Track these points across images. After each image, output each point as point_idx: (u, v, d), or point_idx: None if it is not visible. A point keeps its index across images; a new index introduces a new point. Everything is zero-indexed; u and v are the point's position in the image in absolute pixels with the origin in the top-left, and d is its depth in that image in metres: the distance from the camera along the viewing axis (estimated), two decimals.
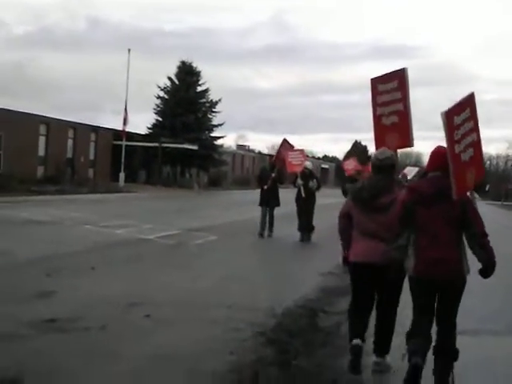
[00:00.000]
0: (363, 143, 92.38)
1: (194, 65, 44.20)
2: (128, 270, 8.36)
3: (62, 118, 35.68)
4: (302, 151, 14.40)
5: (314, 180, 13.35)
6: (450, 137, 4.06)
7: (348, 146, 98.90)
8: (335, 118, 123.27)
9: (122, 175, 35.79)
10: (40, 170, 32.89)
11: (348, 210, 4.73)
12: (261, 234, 13.30)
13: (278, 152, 14.25)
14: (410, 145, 5.62)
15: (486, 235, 4.09)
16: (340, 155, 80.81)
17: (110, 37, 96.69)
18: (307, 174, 13.28)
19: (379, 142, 5.58)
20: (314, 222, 13.25)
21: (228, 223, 16.13)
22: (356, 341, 4.49)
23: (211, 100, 44.53)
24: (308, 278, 8.71)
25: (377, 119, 5.78)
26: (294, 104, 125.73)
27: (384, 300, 4.66)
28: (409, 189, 4.34)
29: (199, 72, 44.30)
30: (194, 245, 11.10)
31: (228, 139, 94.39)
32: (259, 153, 74.33)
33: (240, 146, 70.04)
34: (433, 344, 4.17)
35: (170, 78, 43.94)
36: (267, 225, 13.42)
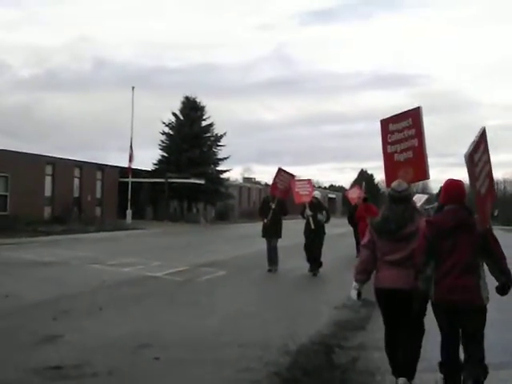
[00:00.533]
0: (369, 172, 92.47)
1: (198, 100, 44.47)
2: (136, 310, 8.15)
3: (67, 157, 35.87)
4: (309, 181, 14.05)
5: (324, 212, 12.92)
6: (473, 176, 4.33)
7: (353, 175, 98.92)
8: (339, 147, 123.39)
9: (129, 212, 35.72)
10: (47, 211, 32.86)
11: (370, 240, 4.91)
12: (269, 270, 12.79)
13: (274, 182, 13.54)
14: (427, 177, 6.01)
15: (504, 258, 4.39)
16: (346, 184, 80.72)
17: (114, 76, 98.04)
18: (316, 205, 12.90)
19: (391, 177, 5.79)
20: (323, 253, 12.92)
21: (236, 257, 15.92)
22: (402, 380, 4.79)
23: (216, 134, 44.68)
24: (321, 311, 8.47)
25: (388, 156, 6.13)
26: (298, 135, 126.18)
27: (409, 325, 4.81)
28: (428, 223, 4.55)
29: (203, 107, 44.56)
30: (202, 281, 10.90)
31: (234, 172, 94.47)
32: (266, 185, 74.29)
33: (246, 179, 70.08)
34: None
35: (174, 114, 44.20)
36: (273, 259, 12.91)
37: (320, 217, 12.61)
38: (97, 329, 6.87)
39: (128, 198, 36.08)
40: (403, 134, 6.01)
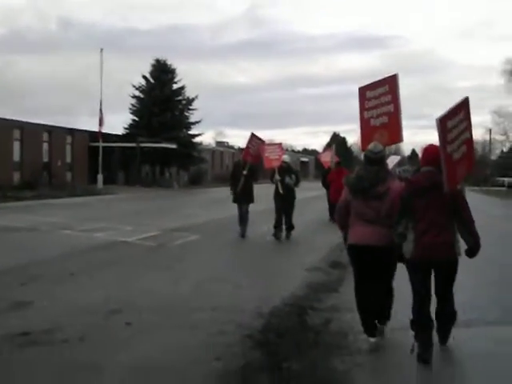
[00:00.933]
0: (342, 135, 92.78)
1: (169, 62, 43.79)
2: (108, 275, 8.05)
3: (36, 121, 35.09)
4: (279, 145, 13.75)
5: (293, 175, 12.62)
6: (444, 140, 4.65)
7: (327, 139, 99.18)
8: (313, 111, 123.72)
9: (100, 177, 35.30)
10: (16, 176, 32.29)
11: (345, 198, 5.25)
12: (242, 235, 12.57)
13: (247, 147, 13.12)
14: (400, 140, 6.44)
15: (472, 222, 4.75)
16: (319, 148, 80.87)
17: (82, 37, 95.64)
18: (285, 169, 12.59)
19: (367, 141, 6.13)
20: (295, 217, 12.89)
21: (209, 221, 15.87)
22: (372, 340, 5.20)
23: (187, 97, 44.15)
24: (294, 274, 8.49)
25: (364, 122, 6.56)
26: (273, 98, 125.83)
27: (380, 277, 5.20)
28: (407, 182, 4.94)
29: (174, 69, 43.89)
30: (175, 246, 10.82)
31: (207, 136, 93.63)
32: (239, 149, 74.02)
33: (219, 143, 69.72)
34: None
35: (144, 77, 43.45)
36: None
37: (288, 180, 12.39)
38: (67, 295, 6.77)
39: (99, 162, 35.59)
40: (379, 100, 6.43)
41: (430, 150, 4.97)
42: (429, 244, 4.61)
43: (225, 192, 15.44)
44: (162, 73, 43.23)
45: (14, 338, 5.02)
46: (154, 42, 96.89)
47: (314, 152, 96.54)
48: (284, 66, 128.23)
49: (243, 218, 12.59)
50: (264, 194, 13.41)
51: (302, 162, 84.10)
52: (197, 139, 45.45)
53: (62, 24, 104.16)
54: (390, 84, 6.38)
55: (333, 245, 11.20)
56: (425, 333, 4.69)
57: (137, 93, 43.44)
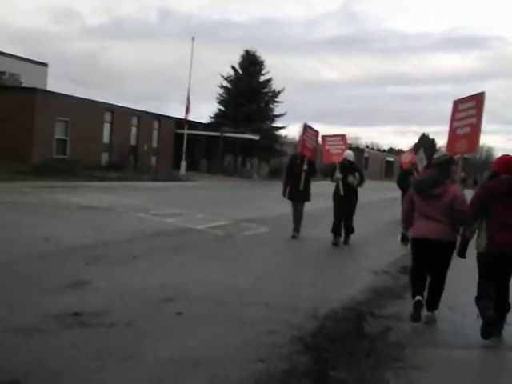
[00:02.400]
0: (431, 136, 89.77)
1: (258, 54, 43.82)
2: (169, 261, 8.05)
3: (127, 106, 36.22)
4: (343, 137, 12.08)
5: (356, 173, 11.13)
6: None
7: (414, 139, 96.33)
8: (402, 110, 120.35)
9: (183, 163, 35.95)
10: (104, 157, 33.44)
11: (411, 195, 6.05)
12: (294, 236, 11.36)
13: (303, 140, 11.63)
14: (476, 151, 8.24)
15: None
16: (406, 148, 78.65)
17: (178, 27, 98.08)
18: (347, 166, 11.08)
19: (450, 147, 7.45)
20: (367, 217, 12.32)
21: (281, 215, 15.54)
22: (418, 297, 5.83)
23: (274, 90, 44.05)
24: (359, 276, 8.15)
25: (452, 131, 7.59)
26: (361, 95, 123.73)
27: (435, 268, 5.97)
28: (483, 187, 5.67)
29: (262, 61, 43.86)
30: (242, 237, 10.72)
31: (291, 130, 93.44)
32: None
33: None
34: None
35: (233, 68, 43.77)
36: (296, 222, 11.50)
37: (351, 179, 10.92)
38: (125, 278, 6.80)
39: (183, 149, 36.27)
40: (466, 113, 7.38)
41: (504, 159, 5.62)
42: (499, 242, 5.30)
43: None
44: (251, 64, 43.36)
45: (65, 318, 5.04)
46: (246, 34, 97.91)
47: (400, 152, 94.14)
48: (374, 64, 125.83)
49: (298, 217, 11.49)
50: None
51: (388, 162, 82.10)
52: (281, 132, 45.36)
53: (161, 13, 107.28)
54: (477, 100, 7.30)
55: (406, 249, 10.70)
56: (487, 310, 5.30)
57: (225, 83, 43.86)
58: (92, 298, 5.77)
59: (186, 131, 36.65)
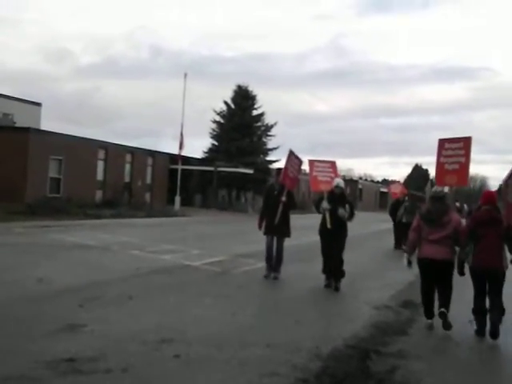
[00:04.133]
0: (424, 167, 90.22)
1: (250, 89, 44.21)
2: (166, 301, 7.82)
3: (121, 143, 36.26)
4: (333, 164, 10.89)
5: (347, 205, 9.53)
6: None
7: (407, 170, 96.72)
8: (394, 141, 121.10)
9: (177, 199, 35.84)
10: (98, 194, 33.28)
11: (418, 225, 7.24)
12: (266, 276, 10.19)
13: (285, 168, 10.48)
14: (465, 184, 9.48)
15: None
16: (400, 179, 78.75)
17: (170, 64, 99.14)
18: (337, 196, 9.60)
19: (439, 179, 9.01)
20: (360, 251, 11.92)
21: None
22: (430, 322, 7.29)
23: (266, 124, 44.31)
24: (360, 312, 7.95)
25: (440, 165, 9.03)
26: (353, 127, 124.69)
27: (441, 282, 7.14)
28: (472, 218, 7.11)
29: (255, 96, 44.23)
30: (239, 273, 10.51)
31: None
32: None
33: None
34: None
35: (226, 103, 44.06)
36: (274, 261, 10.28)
37: (341, 212, 9.40)
38: (121, 319, 6.59)
39: (177, 184, 36.20)
40: (454, 152, 8.85)
41: (487, 193, 7.31)
42: (484, 258, 6.70)
43: (300, 219, 14.80)
44: (243, 99, 43.68)
45: (58, 364, 4.84)
46: (237, 69, 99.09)
47: (394, 183, 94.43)
48: (365, 96, 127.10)
49: (278, 255, 10.24)
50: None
51: (382, 193, 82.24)
52: (274, 165, 45.38)
53: (152, 51, 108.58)
54: (464, 143, 8.83)
55: (405, 282, 10.53)
56: (481, 318, 6.80)
57: (218, 118, 44.10)
58: (86, 342, 5.56)
59: (179, 166, 36.65)
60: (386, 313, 8.00)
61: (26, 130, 28.41)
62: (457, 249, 7.11)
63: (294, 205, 10.49)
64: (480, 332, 6.78)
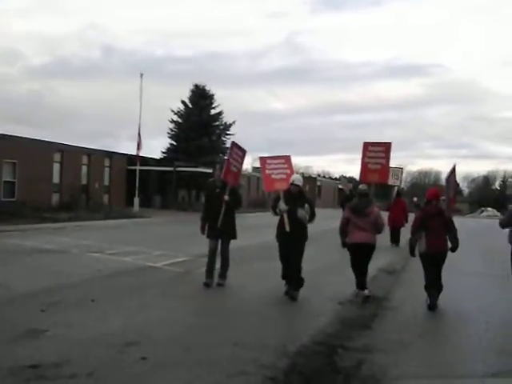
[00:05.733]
0: None
1: (207, 88, 44.05)
2: (129, 303, 7.72)
3: (77, 144, 35.58)
4: (287, 159, 9.60)
5: (306, 206, 8.51)
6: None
7: None
8: (350, 138, 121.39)
9: (136, 200, 35.44)
10: (55, 197, 32.62)
11: (348, 215, 8.90)
12: (206, 284, 9.14)
13: (227, 162, 9.46)
14: (386, 181, 11.73)
15: (456, 231, 8.27)
16: (357, 175, 79.93)
17: (124, 64, 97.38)
18: (295, 195, 8.62)
19: (364, 176, 10.29)
20: (322, 246, 12.02)
21: (240, 248, 15.29)
22: (363, 292, 8.81)
23: (225, 123, 44.22)
24: (325, 308, 8.01)
25: (364, 165, 10.28)
26: (309, 125, 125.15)
27: (366, 262, 8.90)
28: (423, 211, 8.57)
29: (212, 95, 44.09)
30: (202, 272, 10.38)
31: (244, 162, 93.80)
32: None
33: (256, 169, 69.57)
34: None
35: (183, 102, 43.79)
36: (217, 267, 9.45)
37: (301, 213, 8.42)
38: (85, 323, 6.46)
39: (136, 185, 35.78)
40: (376, 154, 10.26)
41: (433, 191, 8.64)
42: (433, 244, 8.10)
43: (260, 218, 14.70)
44: (201, 98, 43.49)
45: (21, 371, 4.72)
46: (193, 69, 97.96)
47: (352, 179, 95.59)
48: (320, 93, 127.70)
49: (223, 259, 9.40)
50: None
51: (340, 190, 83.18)
52: None
53: (105, 51, 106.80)
54: (385, 147, 10.34)
55: (369, 276, 10.67)
56: (432, 292, 8.10)
57: (175, 117, 43.78)
58: (50, 348, 5.44)
59: (138, 167, 36.24)
60: (350, 308, 8.10)
61: None
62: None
63: (238, 203, 9.61)
64: (432, 307, 7.99)
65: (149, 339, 5.86)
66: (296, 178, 8.77)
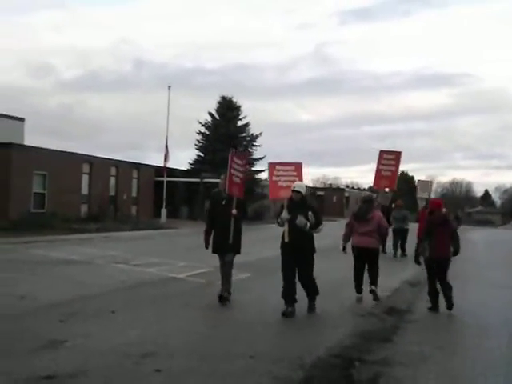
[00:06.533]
0: (410, 174, 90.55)
1: (234, 99, 44.25)
2: (149, 314, 7.76)
3: (107, 156, 36.08)
4: (298, 166, 9.11)
5: (309, 214, 7.96)
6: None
7: None
8: (379, 148, 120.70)
9: (163, 211, 35.70)
10: (83, 209, 33.04)
11: (351, 221, 9.51)
12: (220, 297, 8.67)
13: (230, 174, 8.97)
14: (394, 189, 11.61)
15: (459, 238, 8.85)
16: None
17: (153, 77, 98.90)
18: (297, 203, 8.11)
19: (377, 182, 11.01)
20: (342, 258, 10.27)
21: (263, 259, 15.40)
22: (360, 296, 9.55)
23: (252, 134, 44.31)
24: (344, 320, 7.93)
25: (378, 171, 10.87)
26: (338, 136, 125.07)
27: (370, 265, 9.48)
28: (428, 220, 9.02)
29: (239, 106, 44.25)
30: None
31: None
32: (306, 186, 73.47)
33: None
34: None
35: (210, 114, 44.05)
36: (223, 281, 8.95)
37: (300, 220, 7.87)
38: (103, 334, 6.52)
39: (163, 197, 36.07)
40: (389, 161, 10.88)
41: (436, 201, 9.66)
42: (437, 250, 8.61)
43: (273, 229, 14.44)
44: (228, 110, 43.69)
45: (38, 382, 4.77)
46: (221, 81, 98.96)
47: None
48: (349, 104, 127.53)
49: (226, 274, 8.94)
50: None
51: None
52: (261, 175, 45.39)
53: (135, 64, 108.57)
54: (396, 155, 11.00)
55: (390, 288, 10.56)
56: (434, 297, 8.75)
57: (202, 129, 44.04)
58: (67, 358, 5.49)
59: (165, 179, 36.56)
60: (370, 320, 7.99)
61: (9, 145, 28.15)
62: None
63: (245, 216, 9.24)
64: (434, 309, 8.71)
65: (165, 350, 5.87)
66: (297, 185, 8.32)
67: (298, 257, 8.06)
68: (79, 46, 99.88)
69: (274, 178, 9.14)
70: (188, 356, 5.72)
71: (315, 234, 8.25)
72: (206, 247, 9.10)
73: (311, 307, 8.29)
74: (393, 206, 18.60)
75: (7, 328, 6.70)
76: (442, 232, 8.61)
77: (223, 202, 8.88)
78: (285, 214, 8.12)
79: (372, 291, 9.31)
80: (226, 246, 8.72)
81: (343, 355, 6.02)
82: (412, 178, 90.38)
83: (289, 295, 7.98)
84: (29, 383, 4.74)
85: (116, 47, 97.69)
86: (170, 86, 37.48)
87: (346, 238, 9.51)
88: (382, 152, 10.94)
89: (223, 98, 44.10)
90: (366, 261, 9.40)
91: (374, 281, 9.38)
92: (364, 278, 9.56)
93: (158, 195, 37.12)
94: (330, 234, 12.22)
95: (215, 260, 13.53)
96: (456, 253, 8.77)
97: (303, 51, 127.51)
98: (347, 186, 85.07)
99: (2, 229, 21.80)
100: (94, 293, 9.23)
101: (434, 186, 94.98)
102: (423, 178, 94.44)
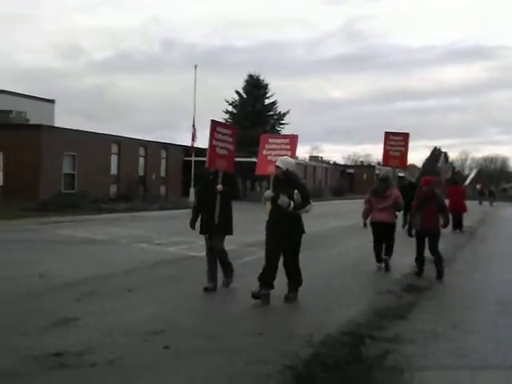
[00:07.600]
0: (443, 149, 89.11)
1: (262, 78, 44.07)
2: (164, 292, 7.80)
3: (136, 137, 36.36)
4: (293, 139, 8.28)
5: (295, 192, 7.12)
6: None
7: (426, 153, 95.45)
8: (412, 124, 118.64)
9: (192, 191, 35.86)
10: (113, 189, 33.48)
11: (370, 198, 10.25)
12: (206, 288, 7.76)
13: (212, 146, 8.16)
14: (405, 167, 14.05)
15: (447, 210, 10.22)
16: (418, 163, 77.76)
17: (183, 57, 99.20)
18: (281, 180, 7.31)
19: (385, 161, 13.03)
20: (362, 235, 11.12)
21: None
22: (379, 264, 10.25)
23: (279, 112, 44.17)
24: (360, 297, 7.85)
25: (386, 151, 12.39)
26: (368, 112, 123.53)
27: (386, 238, 10.17)
28: (419, 193, 9.90)
29: (267, 85, 44.14)
30: (240, 263, 10.43)
31: (300, 151, 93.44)
32: (334, 163, 72.96)
33: (313, 158, 69.16)
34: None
35: (237, 92, 44.05)
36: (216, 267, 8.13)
37: (282, 200, 7.03)
38: (116, 312, 6.58)
39: (191, 176, 36.23)
40: (397, 142, 12.34)
41: (427, 179, 10.08)
42: (427, 222, 9.43)
43: (315, 207, 14.54)
44: (255, 88, 43.62)
45: (45, 359, 4.83)
46: (249, 59, 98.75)
47: (413, 167, 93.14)
48: (380, 80, 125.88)
49: (219, 259, 8.21)
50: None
51: (400, 177, 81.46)
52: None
53: (165, 44, 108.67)
54: (404, 137, 12.89)
55: (412, 265, 10.40)
56: (421, 265, 9.66)
57: (230, 108, 44.08)
58: (77, 336, 5.55)
59: (193, 158, 36.66)
60: (387, 297, 7.90)
61: (39, 127, 28.62)
62: (397, 213, 10.35)
63: (235, 192, 8.26)
64: (419, 273, 9.60)
65: (175, 328, 5.90)
66: (280, 160, 7.45)
67: (283, 240, 7.20)
68: (110, 26, 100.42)
69: (264, 152, 8.64)
70: (197, 334, 5.73)
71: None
72: (193, 228, 8.36)
73: (289, 297, 7.30)
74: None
75: (22, 306, 6.83)
76: (431, 206, 9.44)
77: (210, 178, 8.15)
78: (268, 192, 7.57)
79: (385, 260, 10.07)
80: (212, 226, 7.94)
81: (354, 332, 5.97)
82: (445, 154, 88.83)
83: (265, 281, 7.10)
84: (36, 360, 4.80)
85: (146, 27, 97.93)
86: (196, 66, 37.39)
87: (366, 215, 10.25)
88: (387, 133, 12.06)
89: (250, 76, 43.99)
90: (382, 234, 10.08)
91: (388, 252, 10.14)
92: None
93: (187, 175, 37.31)
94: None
95: (239, 238, 13.58)
96: (446, 224, 9.72)
97: (332, 27, 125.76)
98: (378, 164, 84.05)
99: (32, 209, 22.24)
100: (113, 272, 9.34)
101: (468, 162, 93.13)
102: (457, 154, 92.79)
